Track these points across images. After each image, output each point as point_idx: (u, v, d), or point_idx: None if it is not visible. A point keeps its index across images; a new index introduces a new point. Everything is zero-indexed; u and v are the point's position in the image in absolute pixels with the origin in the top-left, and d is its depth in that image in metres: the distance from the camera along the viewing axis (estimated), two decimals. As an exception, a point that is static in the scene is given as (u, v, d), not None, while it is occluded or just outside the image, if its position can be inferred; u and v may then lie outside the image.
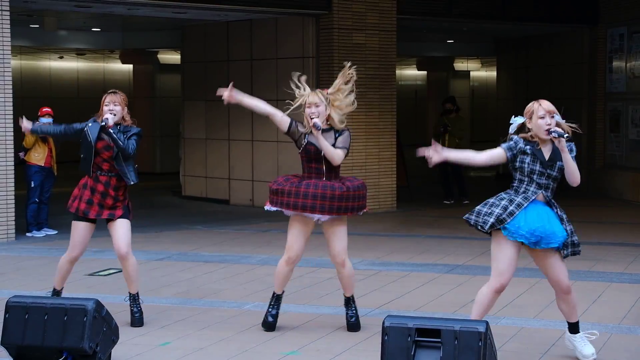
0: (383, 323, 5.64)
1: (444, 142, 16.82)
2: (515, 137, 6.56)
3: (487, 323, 5.56)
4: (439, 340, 5.51)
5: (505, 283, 6.51)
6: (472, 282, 9.67)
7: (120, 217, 7.75)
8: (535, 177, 6.45)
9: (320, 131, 7.27)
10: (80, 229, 7.78)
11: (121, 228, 7.72)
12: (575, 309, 6.67)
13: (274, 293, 7.70)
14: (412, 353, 5.51)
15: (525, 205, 6.40)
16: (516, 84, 21.26)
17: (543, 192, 6.45)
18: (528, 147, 6.48)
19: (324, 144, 7.28)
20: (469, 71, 33.13)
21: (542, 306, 8.45)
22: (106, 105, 7.72)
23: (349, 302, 7.66)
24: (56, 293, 8.04)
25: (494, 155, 6.60)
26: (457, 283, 9.60)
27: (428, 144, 6.55)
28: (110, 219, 7.74)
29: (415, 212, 15.63)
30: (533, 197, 6.44)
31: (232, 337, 7.45)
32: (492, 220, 6.44)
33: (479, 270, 10.32)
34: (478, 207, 6.58)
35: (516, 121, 6.59)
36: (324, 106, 7.37)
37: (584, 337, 6.71)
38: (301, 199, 7.28)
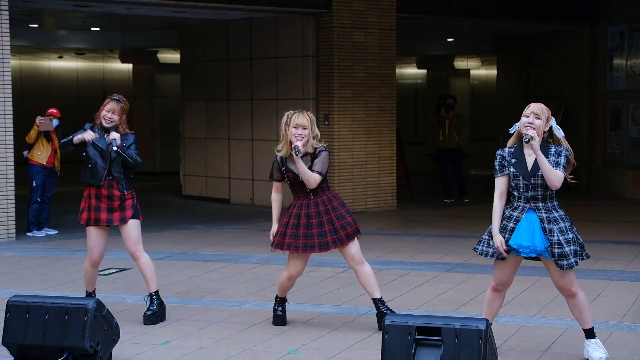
0: (383, 321, 5.64)
1: (444, 135, 16.79)
2: (499, 151, 6.52)
3: (487, 321, 5.56)
4: (439, 338, 5.51)
5: (498, 284, 6.66)
6: (472, 280, 9.68)
7: (132, 217, 7.88)
8: (521, 191, 6.46)
9: (300, 156, 7.28)
10: (93, 234, 7.89)
11: (130, 229, 7.88)
12: (584, 314, 6.60)
13: (277, 296, 7.86)
14: (413, 351, 5.51)
15: (514, 225, 6.46)
16: (516, 83, 21.25)
17: (531, 204, 6.43)
18: (513, 160, 6.46)
19: (302, 167, 7.34)
20: (469, 70, 33.12)
21: (543, 304, 8.45)
22: (106, 111, 7.77)
23: (381, 301, 7.62)
24: (89, 295, 8.16)
25: (502, 187, 6.55)
26: (457, 282, 9.61)
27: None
28: (121, 223, 7.83)
29: (415, 211, 15.63)
30: (521, 216, 6.45)
31: (232, 336, 7.45)
32: (489, 249, 6.58)
33: (479, 268, 10.32)
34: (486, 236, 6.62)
35: (516, 125, 6.58)
36: (309, 129, 7.39)
37: (599, 343, 6.67)
38: (302, 239, 7.47)
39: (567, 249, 6.38)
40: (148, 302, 7.96)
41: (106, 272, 10.28)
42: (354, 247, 7.55)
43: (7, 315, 6.19)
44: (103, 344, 6.19)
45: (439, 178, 17.41)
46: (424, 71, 32.85)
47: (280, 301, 7.85)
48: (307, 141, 7.40)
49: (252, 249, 11.81)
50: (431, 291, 9.14)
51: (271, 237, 7.62)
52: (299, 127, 7.37)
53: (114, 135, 7.73)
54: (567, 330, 7.46)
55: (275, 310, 7.82)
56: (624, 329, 7.63)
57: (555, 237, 6.38)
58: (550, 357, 6.80)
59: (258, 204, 16.35)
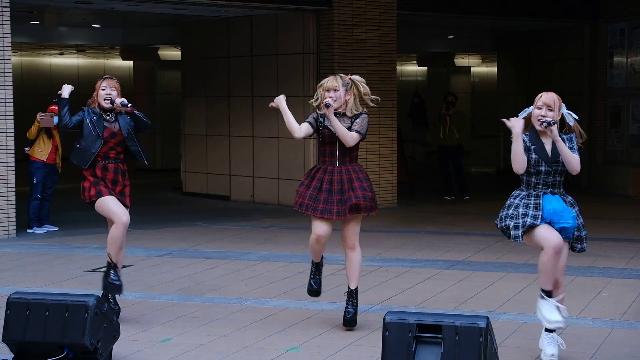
0: (384, 319, 5.64)
1: (444, 132, 16.80)
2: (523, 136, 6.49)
3: (487, 318, 5.56)
4: (440, 335, 5.51)
5: (557, 242, 6.45)
6: (473, 278, 9.68)
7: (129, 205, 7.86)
8: (542, 177, 6.50)
9: (332, 111, 7.25)
10: (109, 200, 7.63)
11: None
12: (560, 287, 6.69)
13: (312, 263, 7.78)
14: (413, 349, 5.52)
15: (541, 201, 6.48)
16: (517, 80, 21.24)
17: (550, 189, 6.49)
18: (532, 146, 6.47)
19: (337, 125, 7.30)
20: (470, 67, 33.08)
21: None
22: (102, 89, 7.74)
23: (351, 295, 7.58)
24: (114, 266, 7.71)
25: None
26: (458, 279, 9.61)
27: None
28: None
29: (415, 208, 15.63)
30: (539, 201, 6.50)
31: (232, 333, 7.45)
32: (519, 232, 6.51)
33: (480, 266, 10.33)
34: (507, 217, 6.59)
35: (525, 111, 6.61)
36: (343, 91, 7.39)
37: (555, 338, 6.66)
38: (321, 204, 7.35)
39: (583, 232, 6.53)
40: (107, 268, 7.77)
41: (105, 269, 10.25)
42: (353, 226, 7.44)
43: (8, 312, 6.19)
44: (103, 341, 6.19)
45: (440, 175, 17.41)
46: (424, 68, 32.82)
47: (316, 268, 7.70)
48: (345, 103, 7.39)
49: (252, 246, 11.81)
50: (432, 288, 9.14)
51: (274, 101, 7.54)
52: (330, 91, 7.38)
53: (121, 99, 7.66)
54: (568, 327, 7.46)
55: (309, 283, 7.72)
56: (625, 326, 7.64)
57: (579, 221, 6.51)
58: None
59: (258, 201, 16.35)
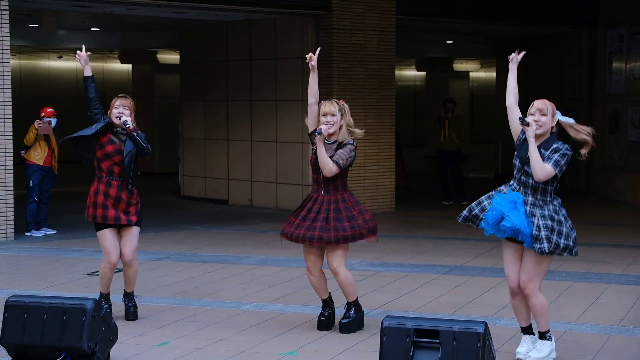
0: (382, 324, 5.64)
1: (444, 137, 16.82)
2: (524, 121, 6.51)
3: (485, 324, 5.56)
4: (438, 341, 5.51)
5: (512, 287, 6.67)
6: (471, 283, 9.68)
7: (136, 223, 7.89)
8: (515, 172, 6.57)
9: (323, 137, 7.26)
10: (107, 236, 7.85)
11: (131, 235, 7.88)
12: (538, 315, 6.63)
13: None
14: (411, 354, 5.51)
15: (494, 195, 6.55)
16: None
17: (522, 189, 6.47)
18: (519, 142, 6.51)
19: (321, 153, 7.32)
20: (468, 72, 33.11)
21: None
22: (116, 108, 7.77)
23: (349, 306, 7.66)
24: (104, 297, 8.05)
25: (515, 124, 6.61)
26: (456, 284, 9.60)
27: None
28: (128, 224, 7.84)
29: (413, 213, 15.62)
30: (505, 189, 6.55)
31: (230, 337, 7.45)
32: (465, 213, 6.78)
33: (478, 271, 10.33)
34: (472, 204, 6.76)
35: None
36: (339, 116, 7.39)
37: (544, 345, 6.68)
38: (298, 230, 7.48)
39: (542, 233, 6.36)
40: (126, 300, 8.04)
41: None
42: (334, 252, 7.47)
43: (6, 315, 6.19)
44: (101, 345, 6.19)
45: (438, 180, 17.42)
46: (423, 73, 32.84)
47: (324, 304, 7.73)
48: (339, 129, 7.39)
49: (250, 250, 11.80)
50: (430, 294, 9.14)
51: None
52: (327, 115, 7.37)
53: (126, 118, 7.69)
54: (566, 333, 7.46)
55: (319, 315, 7.74)
56: (623, 332, 7.63)
57: (536, 221, 6.38)
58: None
59: (257, 205, 16.35)
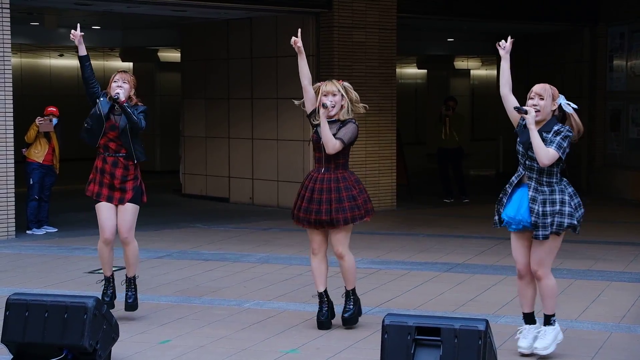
0: (383, 321, 5.64)
1: (445, 134, 16.83)
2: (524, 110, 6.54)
3: (487, 322, 5.56)
4: (439, 338, 5.51)
5: (520, 269, 6.71)
6: (472, 280, 9.68)
7: (131, 200, 7.74)
8: (519, 157, 6.63)
9: (326, 113, 7.26)
10: (102, 210, 7.75)
11: (126, 212, 7.76)
12: (546, 297, 6.72)
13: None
14: (412, 351, 5.51)
15: (509, 190, 6.63)
16: (516, 83, 21.10)
17: (527, 173, 6.55)
18: (523, 124, 6.57)
19: (324, 129, 7.28)
20: (469, 70, 33.12)
21: (541, 305, 8.43)
22: (115, 82, 7.77)
23: (347, 295, 7.65)
24: (107, 280, 7.93)
25: (511, 100, 6.74)
26: (457, 282, 9.61)
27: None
28: (119, 204, 7.76)
29: (415, 211, 15.62)
30: (516, 181, 6.61)
31: (231, 335, 7.45)
32: (496, 218, 6.79)
33: (479, 269, 10.33)
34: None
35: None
36: (340, 96, 7.39)
37: (531, 330, 6.76)
38: (302, 213, 7.49)
39: (541, 220, 6.47)
40: (126, 286, 7.88)
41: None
42: (338, 236, 7.46)
43: (7, 313, 6.19)
44: (102, 343, 6.19)
45: (439, 178, 17.42)
46: (424, 71, 32.85)
47: (320, 300, 7.65)
48: (340, 108, 7.40)
49: (251, 248, 11.81)
50: (431, 291, 9.14)
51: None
52: (328, 95, 7.37)
53: (117, 90, 7.66)
54: (567, 330, 7.46)
55: (317, 315, 7.68)
56: (624, 330, 7.63)
57: (536, 207, 6.46)
58: (550, 357, 6.80)
59: (258, 203, 16.35)
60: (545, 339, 6.66)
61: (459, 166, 17.10)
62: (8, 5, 12.38)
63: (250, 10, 15.32)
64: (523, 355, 6.75)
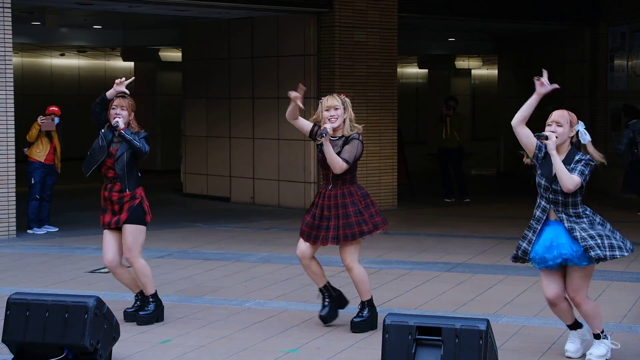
0: (384, 321, 5.64)
1: (446, 134, 16.84)
2: (543, 135, 6.44)
3: (487, 321, 5.56)
4: (440, 338, 5.51)
5: (549, 297, 6.59)
6: (473, 280, 9.67)
7: (127, 221, 7.69)
8: (542, 191, 6.48)
9: (328, 138, 7.27)
10: (105, 237, 7.85)
11: (125, 234, 7.72)
12: (590, 318, 6.64)
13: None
14: (413, 351, 5.51)
15: (539, 228, 6.48)
16: (517, 82, 21.23)
17: (553, 207, 6.43)
18: (541, 160, 6.45)
19: (329, 151, 7.30)
20: (470, 69, 33.13)
21: (543, 305, 8.42)
22: (113, 109, 7.69)
23: (363, 305, 7.61)
24: (142, 298, 7.97)
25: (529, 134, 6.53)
26: (458, 281, 9.60)
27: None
28: (116, 226, 7.76)
29: (415, 211, 15.62)
30: (544, 217, 6.46)
31: (232, 334, 7.45)
32: (515, 252, 6.65)
33: (480, 268, 10.33)
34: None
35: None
36: (342, 109, 7.38)
37: (603, 343, 6.68)
38: (307, 228, 7.52)
39: (591, 242, 6.35)
40: (139, 303, 7.87)
41: (106, 270, 10.26)
42: (346, 249, 7.47)
43: (8, 312, 6.19)
44: (103, 342, 6.19)
45: (440, 177, 17.43)
46: (425, 71, 32.86)
47: (321, 294, 7.68)
48: (342, 122, 7.39)
49: (252, 247, 11.81)
50: (432, 291, 9.14)
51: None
52: (330, 109, 7.37)
53: (116, 118, 7.62)
54: (567, 330, 7.45)
55: (320, 310, 7.71)
56: (625, 329, 7.63)
57: (578, 234, 6.37)
58: (551, 358, 6.81)
59: (259, 203, 16.35)
60: (601, 347, 6.63)
61: (459, 166, 17.10)
62: (9, 5, 12.39)
63: (252, 10, 15.33)
64: (569, 358, 6.72)
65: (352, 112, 7.51)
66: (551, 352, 6.94)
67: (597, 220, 6.51)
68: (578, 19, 18.59)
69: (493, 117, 24.55)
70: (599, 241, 6.38)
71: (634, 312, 8.23)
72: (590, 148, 6.53)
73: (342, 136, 7.42)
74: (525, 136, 6.51)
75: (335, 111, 7.37)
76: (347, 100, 7.52)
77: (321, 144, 7.36)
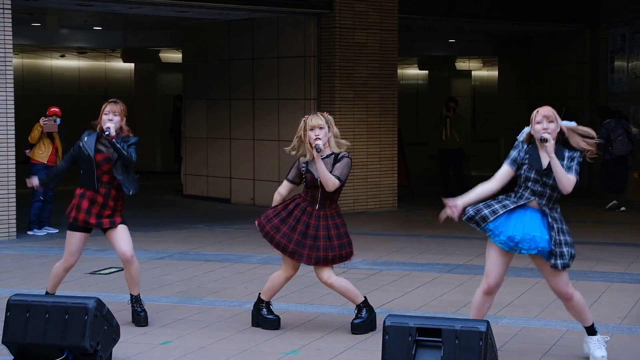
0: (384, 322, 5.65)
1: (446, 135, 16.84)
2: (519, 144, 6.48)
3: (488, 323, 5.56)
4: (440, 339, 5.51)
5: (491, 284, 6.58)
6: (473, 282, 9.67)
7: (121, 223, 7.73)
8: (530, 184, 6.43)
9: (320, 155, 7.27)
10: (76, 239, 7.76)
11: (122, 233, 7.70)
12: (583, 314, 6.61)
13: (261, 299, 7.78)
14: (413, 352, 5.52)
15: (511, 207, 6.44)
16: (518, 84, 21.24)
17: (537, 199, 6.41)
18: (527, 155, 6.44)
19: (321, 168, 7.30)
20: (471, 71, 33.13)
21: (543, 306, 8.44)
22: (105, 114, 7.67)
23: (359, 308, 7.60)
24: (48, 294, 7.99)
25: (503, 175, 6.55)
26: (458, 283, 9.61)
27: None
28: (111, 227, 7.70)
29: (416, 212, 15.62)
30: (523, 202, 6.43)
31: (232, 336, 7.45)
32: (471, 212, 6.58)
33: (480, 270, 10.28)
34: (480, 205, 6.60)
35: (524, 132, 6.54)
36: (326, 128, 7.39)
37: (600, 340, 6.67)
38: (292, 244, 7.45)
39: (561, 249, 6.35)
40: (134, 304, 7.82)
41: (106, 271, 10.28)
42: (321, 269, 7.45)
43: (8, 314, 6.20)
44: (103, 344, 6.20)
45: (441, 179, 17.43)
46: (425, 72, 32.86)
47: (267, 305, 7.74)
48: (328, 140, 7.39)
49: (253, 249, 11.81)
50: (432, 292, 9.14)
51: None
52: (315, 129, 7.37)
53: (108, 124, 7.62)
54: (568, 332, 7.47)
55: (265, 315, 7.72)
56: (625, 331, 7.63)
57: (561, 237, 6.36)
58: (551, 359, 6.80)
59: (259, 204, 16.35)
60: (601, 347, 6.61)
61: (460, 167, 17.10)
62: (10, 6, 12.39)
63: (252, 11, 15.33)
64: None
65: (335, 128, 7.52)
66: (551, 353, 6.94)
67: (562, 217, 6.52)
68: (578, 21, 18.59)
69: (493, 118, 24.57)
70: (571, 250, 6.40)
71: (634, 314, 8.23)
72: (580, 128, 6.47)
73: (332, 154, 7.43)
74: (505, 179, 6.55)
75: (320, 130, 7.37)
76: (330, 117, 7.53)
77: (307, 164, 7.36)
